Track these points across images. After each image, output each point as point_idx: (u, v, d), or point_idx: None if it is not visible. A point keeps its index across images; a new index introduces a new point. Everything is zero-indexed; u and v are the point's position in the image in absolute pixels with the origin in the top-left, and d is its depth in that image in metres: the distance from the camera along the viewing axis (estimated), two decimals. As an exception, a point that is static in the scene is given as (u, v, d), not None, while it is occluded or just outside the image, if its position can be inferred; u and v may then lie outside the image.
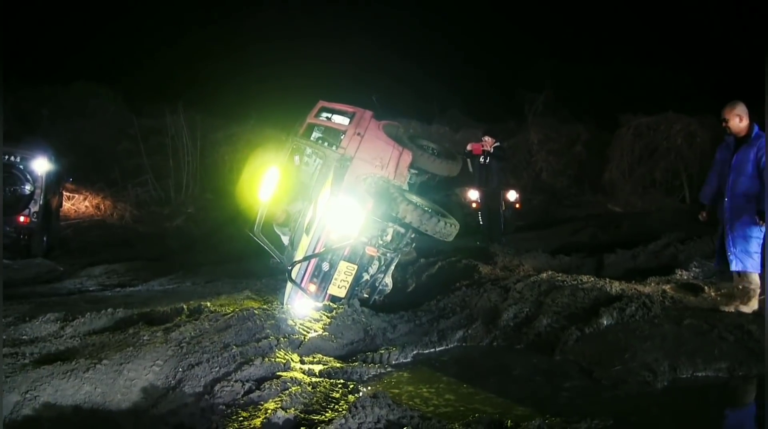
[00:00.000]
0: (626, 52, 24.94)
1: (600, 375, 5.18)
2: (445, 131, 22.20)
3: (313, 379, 4.69)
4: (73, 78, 21.64)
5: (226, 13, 29.65)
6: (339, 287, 7.07)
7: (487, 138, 11.67)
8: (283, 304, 7.24)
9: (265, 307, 6.67)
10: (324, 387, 4.51)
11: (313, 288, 6.98)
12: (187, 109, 18.83)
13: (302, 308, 6.93)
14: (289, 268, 6.90)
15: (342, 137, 7.81)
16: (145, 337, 5.27)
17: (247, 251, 10.62)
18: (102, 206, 16.07)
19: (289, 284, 7.56)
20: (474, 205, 12.41)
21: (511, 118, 23.05)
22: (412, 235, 7.46)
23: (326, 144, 7.85)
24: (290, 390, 4.34)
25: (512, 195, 15.19)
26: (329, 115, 8.91)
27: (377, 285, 7.53)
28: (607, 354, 5.46)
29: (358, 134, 8.36)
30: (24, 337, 5.78)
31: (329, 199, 6.91)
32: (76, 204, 15.83)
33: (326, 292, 7.04)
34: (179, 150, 18.16)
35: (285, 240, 8.97)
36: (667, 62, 23.50)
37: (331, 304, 6.81)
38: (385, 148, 7.88)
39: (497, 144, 11.64)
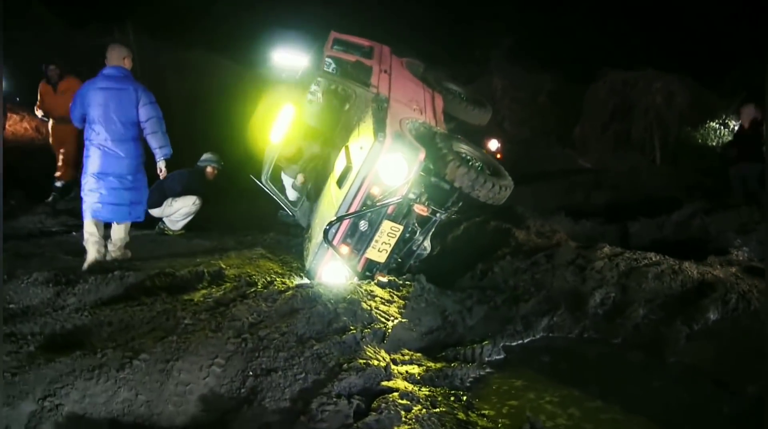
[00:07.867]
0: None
1: (735, 387, 4.29)
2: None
3: (422, 391, 3.63)
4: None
5: None
6: (380, 251, 5.95)
7: None
8: (306, 267, 6.17)
9: (302, 278, 5.57)
10: (441, 402, 3.49)
11: (345, 250, 5.86)
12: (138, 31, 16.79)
13: (332, 274, 5.83)
14: (327, 227, 5.71)
15: (370, 75, 6.79)
16: (186, 321, 4.05)
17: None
18: (42, 129, 14.11)
19: (310, 243, 6.46)
20: None
21: (474, 64, 21.91)
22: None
23: (352, 81, 6.74)
24: (413, 411, 3.27)
25: (494, 144, 14.37)
26: (344, 48, 7.88)
27: (414, 248, 6.42)
28: (731, 358, 4.59)
29: (385, 71, 7.30)
30: (12, 306, 4.48)
31: (374, 147, 5.67)
32: (13, 125, 13.91)
33: (362, 255, 5.93)
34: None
35: (289, 192, 7.83)
36: (646, 16, 22.61)
37: (379, 278, 5.73)
38: (416, 89, 6.92)
39: None
